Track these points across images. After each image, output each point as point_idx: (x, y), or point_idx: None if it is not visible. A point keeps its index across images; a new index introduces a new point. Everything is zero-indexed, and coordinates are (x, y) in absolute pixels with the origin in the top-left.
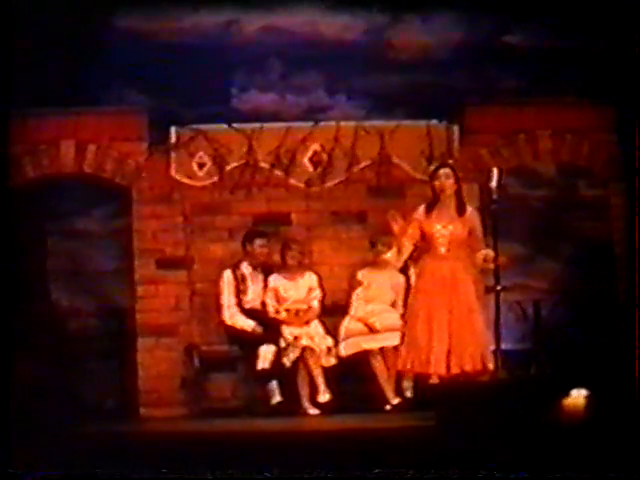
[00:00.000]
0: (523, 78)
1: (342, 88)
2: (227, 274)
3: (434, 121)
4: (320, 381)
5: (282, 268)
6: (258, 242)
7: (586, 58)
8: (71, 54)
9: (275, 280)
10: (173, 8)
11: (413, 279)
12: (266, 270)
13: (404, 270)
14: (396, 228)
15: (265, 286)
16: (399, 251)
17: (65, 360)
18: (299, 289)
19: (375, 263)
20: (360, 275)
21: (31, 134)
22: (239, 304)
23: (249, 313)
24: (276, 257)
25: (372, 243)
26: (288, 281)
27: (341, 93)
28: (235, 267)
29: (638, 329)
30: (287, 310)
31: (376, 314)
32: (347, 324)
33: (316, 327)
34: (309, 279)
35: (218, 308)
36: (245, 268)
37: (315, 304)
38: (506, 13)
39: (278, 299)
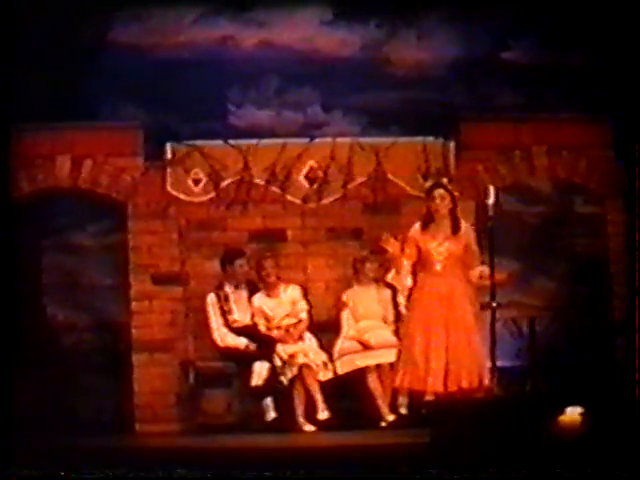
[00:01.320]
0: (520, 94)
1: (338, 104)
2: (210, 297)
3: (430, 138)
4: (318, 398)
5: (263, 286)
6: (237, 262)
7: (583, 74)
8: (67, 69)
9: (259, 300)
10: (170, 23)
11: (401, 295)
12: (250, 287)
13: (389, 284)
14: (391, 250)
15: (250, 304)
16: (397, 271)
17: (60, 375)
18: (283, 304)
19: (359, 281)
20: (345, 297)
21: (27, 148)
22: (227, 324)
23: (241, 331)
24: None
25: (357, 260)
26: (271, 299)
27: (337, 109)
28: (217, 289)
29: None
30: (278, 327)
31: (369, 330)
32: (341, 343)
33: (310, 342)
34: (291, 292)
35: (209, 331)
36: (228, 288)
37: (304, 316)
38: (503, 30)
39: (267, 318)
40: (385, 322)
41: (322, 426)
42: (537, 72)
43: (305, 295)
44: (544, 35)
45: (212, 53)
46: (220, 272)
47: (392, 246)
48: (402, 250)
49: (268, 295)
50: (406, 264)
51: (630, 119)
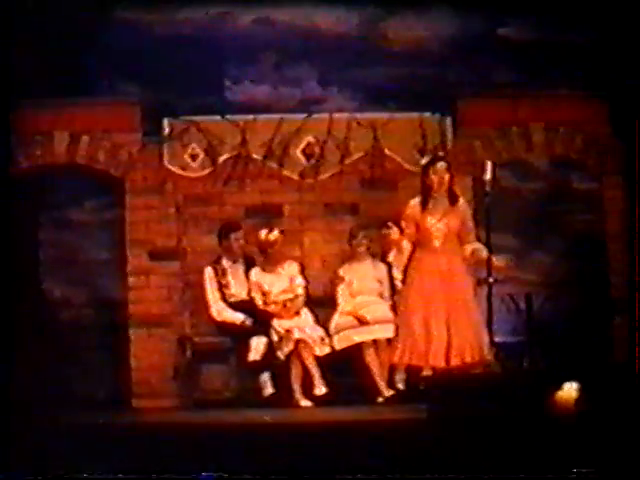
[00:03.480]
0: (517, 71)
1: (335, 80)
2: (208, 271)
3: (427, 114)
4: (315, 373)
5: (262, 261)
6: (233, 236)
7: (580, 51)
8: (65, 45)
9: (256, 274)
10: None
11: (398, 270)
12: (248, 261)
13: (386, 260)
14: (393, 235)
15: (247, 278)
16: (399, 252)
17: (56, 351)
18: (281, 280)
19: (355, 256)
20: (342, 271)
21: (25, 124)
22: (224, 299)
23: (237, 306)
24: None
25: (352, 235)
26: (269, 273)
27: (334, 85)
28: (215, 263)
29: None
30: (275, 302)
31: (365, 306)
32: (337, 319)
33: (306, 317)
34: (289, 268)
35: (205, 305)
36: (225, 262)
37: (300, 291)
38: (500, 6)
39: (264, 293)
40: (381, 297)
41: (319, 402)
42: (534, 49)
43: (303, 271)
44: (541, 12)
45: (210, 29)
46: (217, 246)
47: (393, 231)
48: (402, 232)
49: (266, 270)
50: (407, 245)
51: (627, 96)
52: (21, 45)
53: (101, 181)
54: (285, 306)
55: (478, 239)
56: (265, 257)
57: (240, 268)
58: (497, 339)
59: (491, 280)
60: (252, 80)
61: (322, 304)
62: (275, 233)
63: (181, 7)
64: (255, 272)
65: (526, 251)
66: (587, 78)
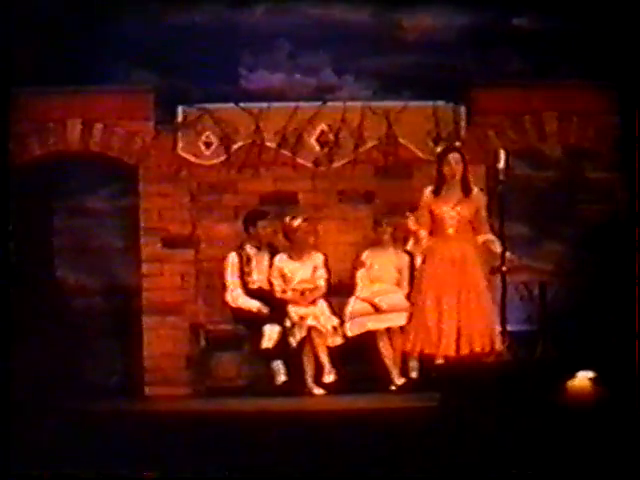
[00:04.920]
0: (529, 60)
1: (350, 69)
2: (232, 256)
3: (440, 102)
4: (325, 361)
5: (288, 247)
6: (260, 223)
7: (591, 39)
8: (79, 32)
9: (281, 260)
10: None
11: (419, 259)
12: (272, 249)
13: (408, 251)
14: (411, 225)
15: (271, 266)
16: (416, 241)
17: (71, 338)
18: (305, 269)
19: (379, 242)
20: (364, 256)
21: (38, 112)
22: (244, 286)
23: (255, 293)
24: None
25: (376, 222)
26: (294, 261)
27: (349, 73)
28: (240, 249)
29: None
30: (293, 290)
31: (382, 294)
32: (353, 304)
33: (322, 307)
34: (315, 258)
35: (224, 290)
36: (250, 249)
37: (321, 283)
38: None
39: (284, 279)
40: (399, 286)
41: (332, 389)
42: (546, 38)
43: (326, 263)
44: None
45: (224, 16)
46: (231, 234)
47: (411, 222)
48: (417, 221)
49: (292, 257)
50: (423, 233)
51: (635, 87)
52: (33, 31)
53: (115, 169)
54: (303, 294)
55: (492, 228)
56: (291, 244)
57: (265, 256)
58: (510, 327)
59: (504, 269)
60: (266, 68)
61: (336, 292)
62: (299, 220)
63: None
64: (280, 258)
65: (539, 240)
66: (599, 67)
